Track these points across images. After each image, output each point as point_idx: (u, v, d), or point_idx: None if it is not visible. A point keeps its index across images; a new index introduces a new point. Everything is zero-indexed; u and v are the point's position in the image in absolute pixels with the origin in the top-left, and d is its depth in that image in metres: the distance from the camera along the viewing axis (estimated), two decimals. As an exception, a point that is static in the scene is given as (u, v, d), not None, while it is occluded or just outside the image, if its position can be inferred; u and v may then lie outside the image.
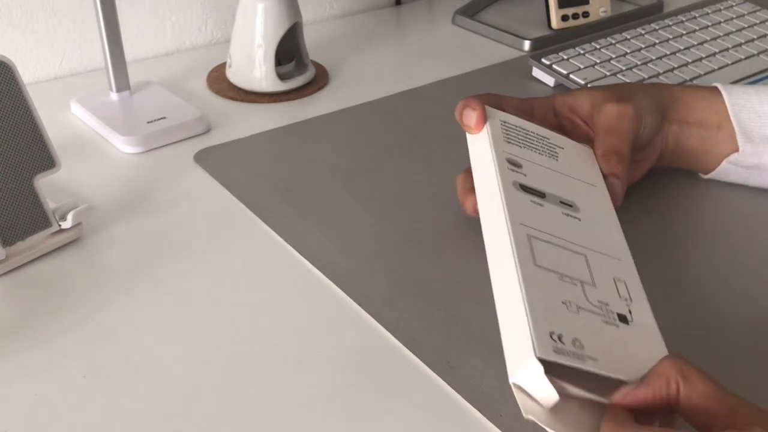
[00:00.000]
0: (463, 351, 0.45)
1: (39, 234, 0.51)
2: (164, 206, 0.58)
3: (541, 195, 0.46)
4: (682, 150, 0.59)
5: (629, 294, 0.41)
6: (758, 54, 0.84)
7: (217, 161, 0.63)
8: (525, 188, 0.45)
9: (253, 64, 0.73)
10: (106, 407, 0.42)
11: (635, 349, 0.38)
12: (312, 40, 0.84)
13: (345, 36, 0.90)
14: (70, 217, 0.52)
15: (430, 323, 0.47)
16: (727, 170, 0.59)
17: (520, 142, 0.50)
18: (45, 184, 0.51)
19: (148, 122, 0.67)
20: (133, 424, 0.41)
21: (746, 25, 0.90)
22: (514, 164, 0.47)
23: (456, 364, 0.44)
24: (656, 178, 0.61)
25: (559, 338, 0.35)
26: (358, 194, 0.59)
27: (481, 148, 0.48)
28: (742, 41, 0.86)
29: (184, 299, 0.49)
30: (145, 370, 0.44)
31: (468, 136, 0.51)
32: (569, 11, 0.91)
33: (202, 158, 0.64)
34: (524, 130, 0.51)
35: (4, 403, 0.42)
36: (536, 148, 0.50)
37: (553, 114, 0.58)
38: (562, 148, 0.52)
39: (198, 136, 0.67)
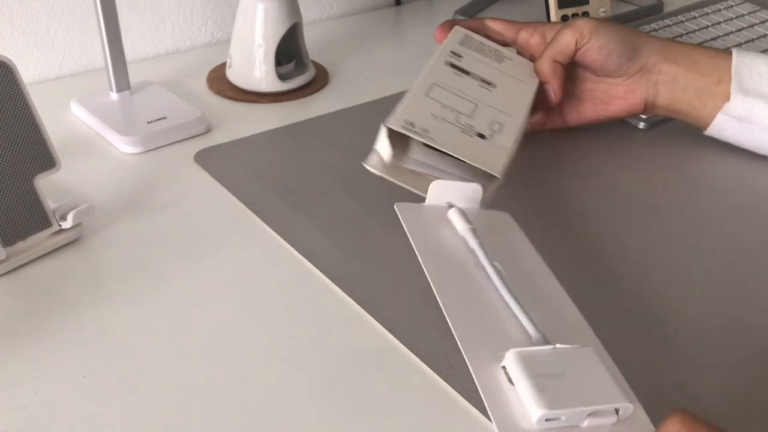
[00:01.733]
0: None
1: (39, 234, 0.51)
2: (164, 206, 0.58)
3: (466, 72, 0.58)
4: (678, 102, 0.62)
5: (501, 129, 0.53)
6: (758, 54, 0.84)
7: (217, 161, 0.63)
8: (453, 66, 0.58)
9: (253, 64, 0.73)
10: (106, 407, 0.42)
11: (478, 151, 0.50)
12: (312, 40, 0.84)
13: (345, 36, 0.90)
14: (70, 217, 0.52)
15: (430, 323, 0.47)
16: (722, 124, 0.62)
17: (472, 47, 0.62)
18: (45, 184, 0.51)
19: (148, 122, 0.67)
20: (133, 424, 0.41)
21: (746, 25, 0.90)
22: (455, 54, 0.60)
23: (456, 364, 0.44)
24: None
25: (411, 124, 0.50)
26: (358, 194, 0.59)
27: None
28: (742, 41, 0.86)
29: (184, 299, 0.49)
30: (145, 370, 0.44)
31: None
32: (569, 11, 0.91)
33: (202, 158, 0.64)
34: (482, 43, 0.63)
35: (4, 403, 0.42)
36: (485, 53, 0.62)
37: (541, 36, 0.64)
38: (511, 60, 0.63)
39: (198, 136, 0.67)
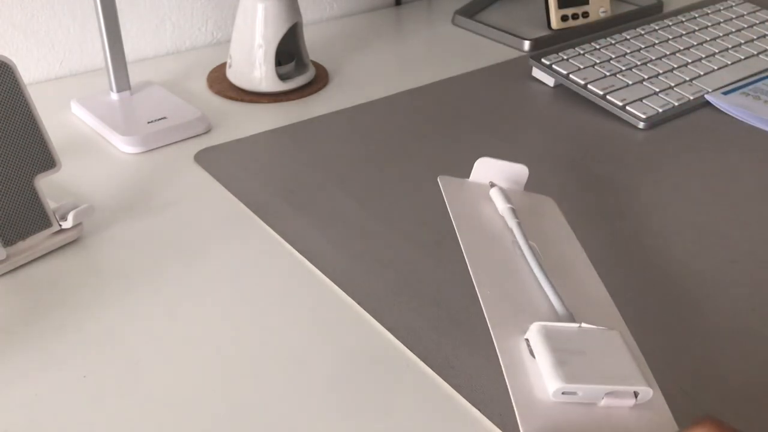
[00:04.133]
0: (463, 351, 0.45)
1: (39, 234, 0.51)
2: (164, 206, 0.58)
3: None
4: None
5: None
6: (758, 54, 0.84)
7: (217, 161, 0.63)
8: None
9: (254, 65, 0.73)
10: (106, 407, 0.42)
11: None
12: (312, 40, 0.84)
13: (345, 36, 0.90)
14: (70, 217, 0.52)
15: (430, 323, 0.47)
16: None
17: None
18: (45, 184, 0.51)
19: (149, 122, 0.67)
20: (133, 424, 0.41)
21: (746, 25, 0.90)
22: None
23: (456, 364, 0.44)
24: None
25: None
26: (358, 194, 0.59)
27: None
28: (742, 41, 0.86)
29: (184, 299, 0.49)
30: (145, 369, 0.44)
31: None
32: (569, 11, 0.91)
33: (202, 158, 0.64)
34: None
35: (4, 403, 0.42)
36: None
37: None
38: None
39: (198, 136, 0.67)
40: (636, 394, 0.36)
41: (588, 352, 0.37)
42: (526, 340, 0.39)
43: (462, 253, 0.45)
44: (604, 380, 0.36)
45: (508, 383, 0.36)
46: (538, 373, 0.37)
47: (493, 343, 0.38)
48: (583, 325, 0.39)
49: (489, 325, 0.39)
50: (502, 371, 0.43)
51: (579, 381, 0.36)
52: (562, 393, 0.36)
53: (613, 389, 0.36)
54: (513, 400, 0.36)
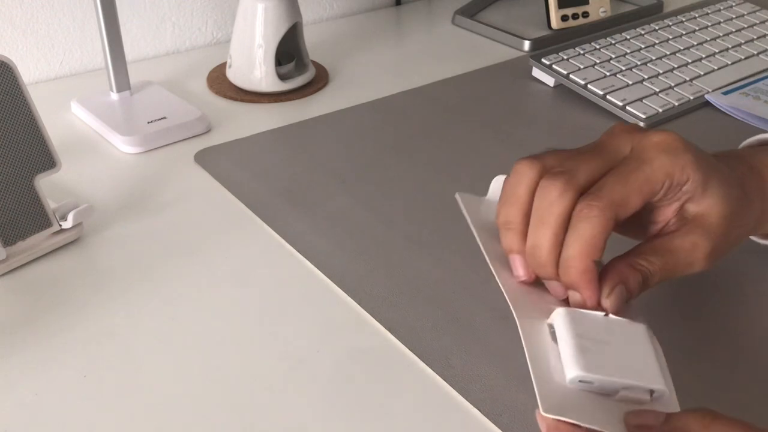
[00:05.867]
0: (463, 351, 0.45)
1: (39, 234, 0.51)
2: (164, 206, 0.58)
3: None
4: None
5: None
6: (758, 54, 0.84)
7: (217, 161, 0.63)
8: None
9: (253, 64, 0.73)
10: (107, 407, 0.42)
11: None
12: (312, 40, 0.84)
13: (345, 36, 0.90)
14: (70, 217, 0.52)
15: (430, 323, 0.47)
16: None
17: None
18: (45, 184, 0.51)
19: (149, 122, 0.67)
20: (133, 424, 0.41)
21: (746, 25, 0.90)
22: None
23: (456, 364, 0.44)
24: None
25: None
26: (358, 194, 0.59)
27: None
28: (742, 41, 0.86)
29: (184, 299, 0.49)
30: (145, 369, 0.44)
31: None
32: (569, 11, 0.91)
33: (202, 158, 0.64)
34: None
35: (4, 403, 0.42)
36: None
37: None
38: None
39: (198, 136, 0.67)
40: (651, 393, 0.36)
41: (612, 342, 0.37)
42: (550, 325, 0.38)
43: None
44: (622, 374, 0.35)
45: (529, 362, 0.36)
46: (558, 357, 0.36)
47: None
48: (610, 315, 0.38)
49: (511, 308, 0.38)
50: (503, 371, 0.43)
51: (598, 372, 0.35)
52: (579, 381, 0.35)
53: (630, 384, 0.35)
54: (533, 377, 0.35)
